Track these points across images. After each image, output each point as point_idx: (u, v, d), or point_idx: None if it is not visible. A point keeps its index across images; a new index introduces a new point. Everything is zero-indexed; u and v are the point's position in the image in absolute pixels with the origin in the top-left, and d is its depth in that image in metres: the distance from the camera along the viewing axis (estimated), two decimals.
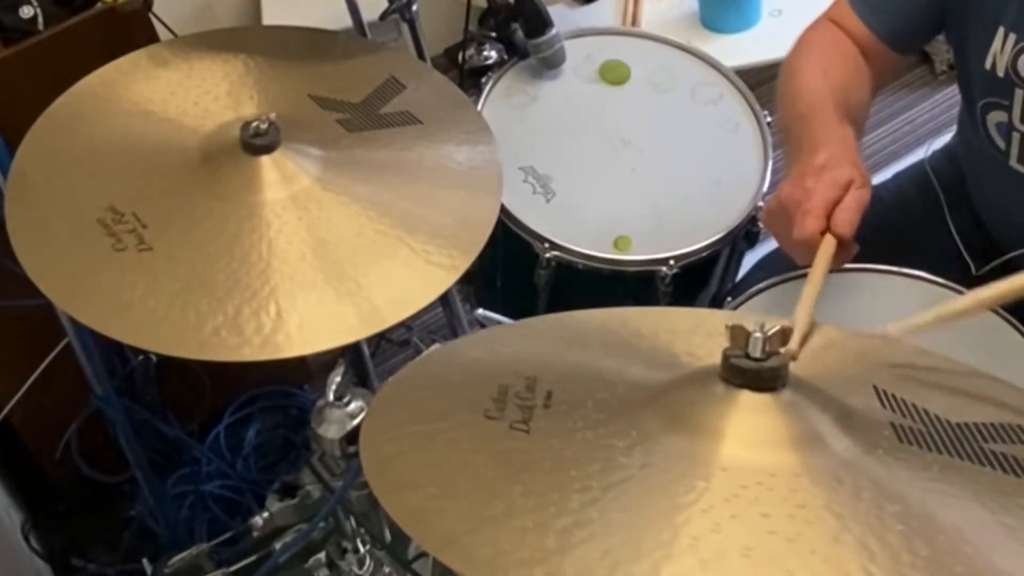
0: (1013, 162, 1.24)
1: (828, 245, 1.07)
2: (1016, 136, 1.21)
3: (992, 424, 0.79)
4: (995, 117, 1.23)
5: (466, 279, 1.21)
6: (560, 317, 0.97)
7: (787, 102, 1.27)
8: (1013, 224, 1.30)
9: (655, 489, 0.67)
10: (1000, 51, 1.18)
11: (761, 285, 1.25)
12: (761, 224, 1.44)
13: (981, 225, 1.36)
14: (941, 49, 2.47)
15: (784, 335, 0.74)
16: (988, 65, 1.20)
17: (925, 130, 2.42)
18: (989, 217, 1.35)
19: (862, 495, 0.68)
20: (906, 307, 1.21)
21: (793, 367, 0.74)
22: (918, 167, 1.47)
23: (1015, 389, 0.87)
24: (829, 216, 1.08)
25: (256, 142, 1.07)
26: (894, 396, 0.81)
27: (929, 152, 1.47)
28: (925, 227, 1.40)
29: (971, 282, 1.24)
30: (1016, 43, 1.16)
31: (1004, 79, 1.18)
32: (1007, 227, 1.32)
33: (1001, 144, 1.24)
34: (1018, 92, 1.18)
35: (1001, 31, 1.17)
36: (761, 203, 1.42)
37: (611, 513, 0.66)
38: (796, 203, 1.10)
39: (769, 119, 1.50)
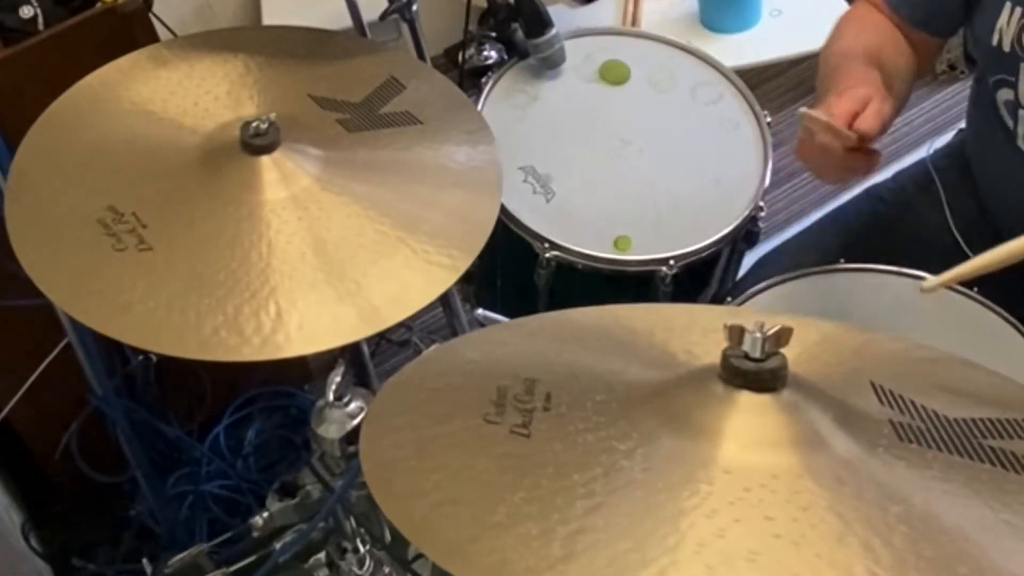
0: (1020, 142, 1.24)
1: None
2: (1023, 113, 1.22)
3: (990, 419, 0.79)
4: (1003, 95, 1.24)
5: (466, 279, 1.21)
6: (557, 316, 0.97)
7: (822, 64, 1.31)
8: (1019, 208, 1.29)
9: (658, 493, 0.67)
10: (1007, 25, 1.19)
11: (761, 285, 1.25)
12: (761, 224, 1.44)
13: (986, 220, 1.36)
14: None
15: (782, 335, 0.74)
16: (995, 41, 1.21)
17: (925, 130, 2.42)
18: (996, 205, 1.35)
19: (865, 496, 0.67)
20: (907, 306, 1.22)
21: (792, 365, 0.74)
22: (920, 165, 1.47)
23: (1010, 382, 0.87)
24: (850, 126, 1.12)
25: (256, 142, 1.07)
26: (892, 392, 0.81)
27: (931, 151, 1.47)
28: (926, 226, 1.40)
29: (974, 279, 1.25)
30: (1022, 16, 1.17)
31: (1010, 54, 1.19)
32: (1013, 212, 1.31)
33: (1009, 123, 1.24)
34: (1023, 66, 1.19)
35: (1008, 5, 1.18)
36: (761, 203, 1.43)
37: (616, 519, 0.66)
38: (820, 113, 1.14)
39: (769, 119, 1.50)
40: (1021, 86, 1.20)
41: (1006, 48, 1.19)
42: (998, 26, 1.20)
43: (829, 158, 1.15)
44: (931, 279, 1.00)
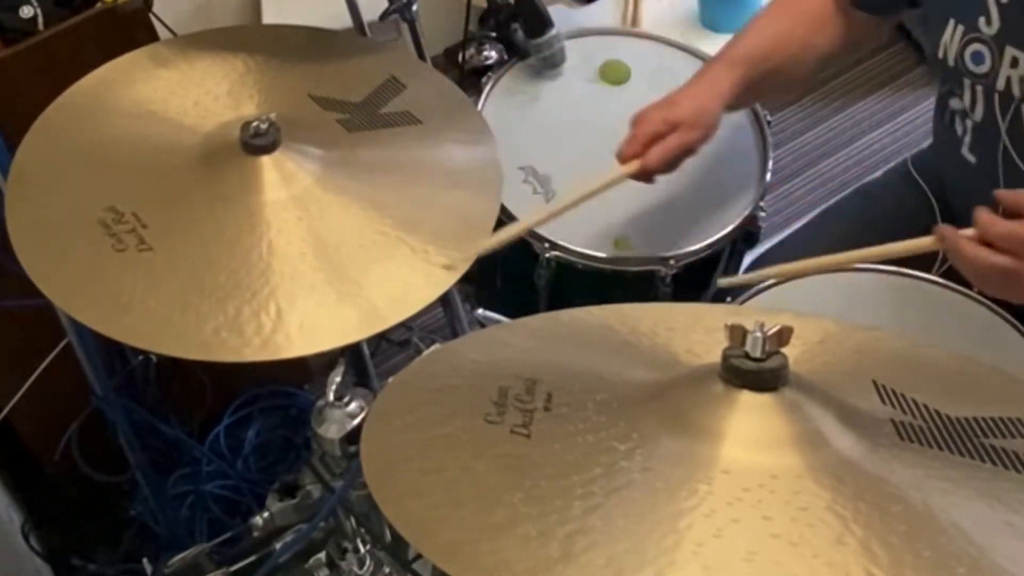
0: (964, 151, 1.26)
1: (625, 168, 1.24)
2: (968, 124, 1.24)
3: (991, 418, 0.79)
4: (954, 104, 1.26)
5: (466, 279, 1.21)
6: (558, 316, 0.97)
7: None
8: (969, 214, 1.31)
9: (657, 494, 0.67)
10: (950, 41, 1.21)
11: (761, 285, 1.25)
12: (761, 224, 1.44)
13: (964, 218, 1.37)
14: None
15: (783, 335, 0.74)
16: (940, 54, 1.23)
17: (925, 130, 2.41)
18: (955, 208, 1.37)
19: (864, 496, 0.67)
20: (908, 305, 1.22)
21: (793, 364, 0.74)
22: (903, 165, 1.48)
23: (1011, 380, 0.87)
24: (649, 146, 1.24)
25: (256, 142, 1.07)
26: (893, 391, 0.81)
27: (915, 151, 1.49)
28: (918, 222, 1.40)
29: (957, 277, 1.25)
30: (964, 35, 1.18)
31: (954, 68, 1.21)
32: (967, 216, 1.33)
33: (959, 130, 1.27)
34: (966, 82, 1.21)
35: (952, 22, 1.20)
36: (762, 203, 1.43)
37: (614, 519, 0.66)
38: (635, 122, 1.26)
39: (769, 119, 1.50)
40: (967, 98, 1.22)
41: (951, 63, 1.22)
42: (942, 41, 1.22)
43: None
44: (726, 279, 1.12)
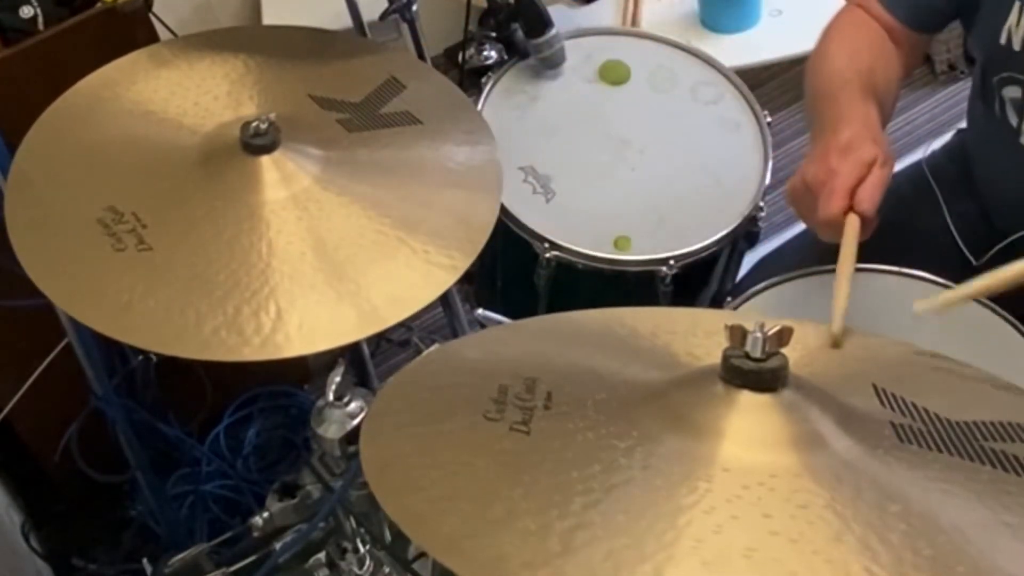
0: None
1: (853, 224, 1.10)
2: None
3: (991, 423, 0.79)
4: (1009, 93, 1.24)
5: (466, 279, 1.21)
6: (559, 317, 0.97)
7: (813, 84, 1.30)
8: (1019, 206, 1.30)
9: (657, 490, 0.67)
10: (1016, 25, 1.19)
11: (761, 285, 1.25)
12: (761, 224, 1.44)
13: (984, 217, 1.36)
14: (941, 49, 2.47)
15: (783, 335, 0.74)
16: (1003, 40, 1.21)
17: (925, 130, 2.42)
18: (995, 203, 1.35)
19: (864, 495, 0.68)
20: (908, 307, 1.22)
21: (793, 366, 0.74)
22: (915, 167, 1.47)
23: (1011, 386, 0.87)
24: (852, 195, 1.11)
25: (256, 142, 1.07)
26: (894, 395, 0.81)
27: (928, 152, 1.47)
28: (925, 226, 1.40)
29: (971, 275, 1.25)
30: None
31: (1020, 52, 1.19)
32: (1013, 211, 1.31)
33: (1013, 121, 1.25)
34: None
35: (1017, 5, 1.18)
36: (761, 203, 1.43)
37: (613, 515, 0.66)
38: (821, 183, 1.13)
39: (769, 119, 1.50)
40: None
41: (1016, 47, 1.20)
42: (1007, 26, 1.20)
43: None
44: (923, 303, 1.02)
